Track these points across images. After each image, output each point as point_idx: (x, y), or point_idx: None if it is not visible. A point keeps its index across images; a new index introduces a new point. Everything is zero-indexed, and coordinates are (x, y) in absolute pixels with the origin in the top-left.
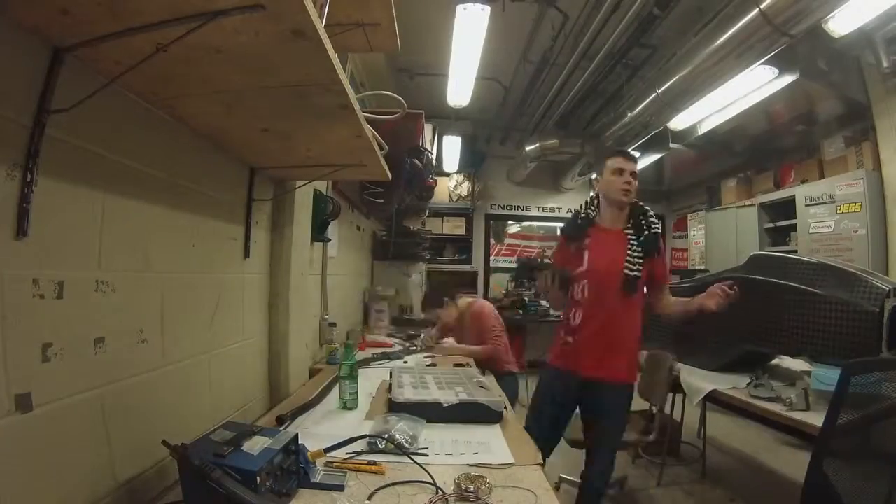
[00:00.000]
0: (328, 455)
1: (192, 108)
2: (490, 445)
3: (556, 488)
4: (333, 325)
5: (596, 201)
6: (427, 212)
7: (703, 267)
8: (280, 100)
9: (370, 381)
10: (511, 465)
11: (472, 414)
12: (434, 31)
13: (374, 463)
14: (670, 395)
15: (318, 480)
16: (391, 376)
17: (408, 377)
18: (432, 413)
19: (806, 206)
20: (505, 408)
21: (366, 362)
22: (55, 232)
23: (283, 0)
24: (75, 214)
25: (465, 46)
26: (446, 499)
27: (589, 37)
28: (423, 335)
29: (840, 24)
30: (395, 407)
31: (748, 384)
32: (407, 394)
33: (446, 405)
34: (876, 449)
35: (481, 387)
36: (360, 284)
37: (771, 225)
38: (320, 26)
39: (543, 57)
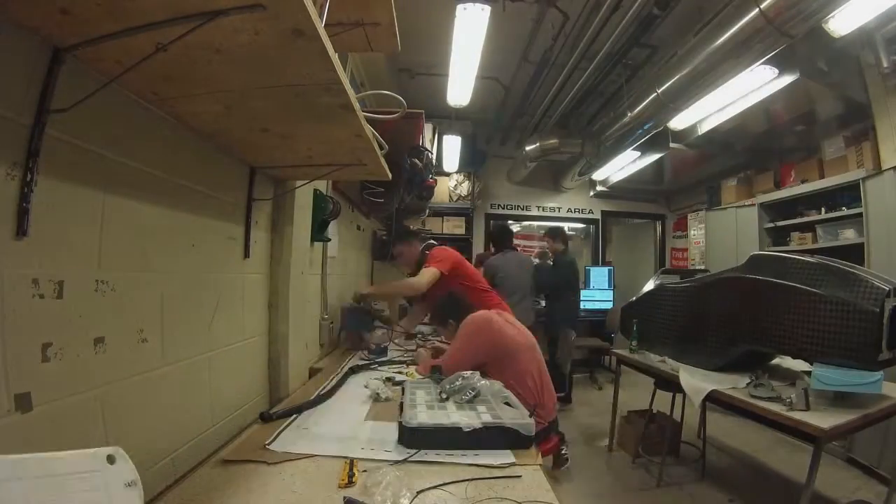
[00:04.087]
0: None
1: (192, 107)
2: None
3: None
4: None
5: None
6: (427, 212)
7: (702, 267)
8: (280, 100)
9: (368, 380)
10: (512, 464)
11: (497, 440)
12: (434, 31)
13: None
14: (670, 395)
15: None
16: (403, 392)
17: (422, 394)
18: (451, 439)
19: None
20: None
21: (361, 367)
22: (55, 232)
23: (282, 0)
24: (75, 214)
25: (465, 46)
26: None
27: (589, 37)
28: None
29: (840, 24)
30: (406, 433)
31: (748, 384)
32: (421, 416)
33: (467, 430)
34: None
35: (506, 404)
36: (360, 284)
37: (771, 225)
38: (320, 26)
39: (543, 57)
